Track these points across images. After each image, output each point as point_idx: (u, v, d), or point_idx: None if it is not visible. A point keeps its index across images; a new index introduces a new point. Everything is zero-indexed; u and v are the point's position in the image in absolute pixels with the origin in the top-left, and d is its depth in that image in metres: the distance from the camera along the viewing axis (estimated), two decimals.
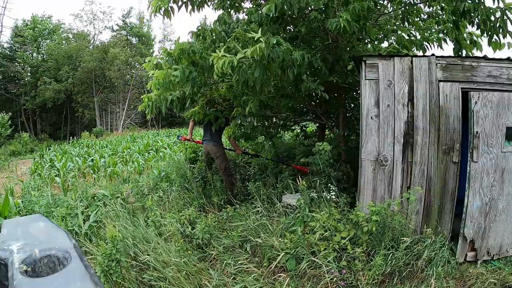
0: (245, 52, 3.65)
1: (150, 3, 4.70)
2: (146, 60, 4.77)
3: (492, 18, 4.23)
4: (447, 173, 3.81)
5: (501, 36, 4.37)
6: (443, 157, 3.81)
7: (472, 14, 4.17)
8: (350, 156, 5.46)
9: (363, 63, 3.91)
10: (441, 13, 5.37)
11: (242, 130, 5.79)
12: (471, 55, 5.27)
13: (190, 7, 4.93)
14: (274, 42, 3.72)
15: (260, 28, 4.00)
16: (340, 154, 5.36)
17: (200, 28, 5.09)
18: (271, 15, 4.27)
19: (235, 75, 3.96)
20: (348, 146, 5.74)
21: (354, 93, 6.19)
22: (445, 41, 5.49)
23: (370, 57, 3.97)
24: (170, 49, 4.52)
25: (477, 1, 4.18)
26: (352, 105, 6.43)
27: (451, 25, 4.85)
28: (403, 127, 3.84)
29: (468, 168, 3.65)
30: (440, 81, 3.79)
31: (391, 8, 5.48)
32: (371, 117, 3.89)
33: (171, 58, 4.41)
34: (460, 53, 5.21)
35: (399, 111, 3.84)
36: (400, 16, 5.41)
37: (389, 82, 3.86)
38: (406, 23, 5.43)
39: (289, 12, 4.31)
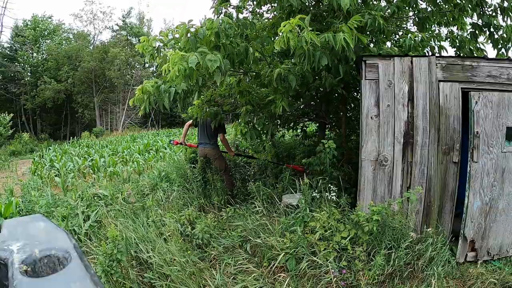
0: (329, 34, 3.22)
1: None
2: (140, 40, 4.15)
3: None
4: (447, 173, 3.81)
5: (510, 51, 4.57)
6: (443, 157, 3.81)
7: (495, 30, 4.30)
8: (350, 156, 5.46)
9: (363, 63, 3.91)
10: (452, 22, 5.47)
11: (250, 129, 5.43)
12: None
13: None
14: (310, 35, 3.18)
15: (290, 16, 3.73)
16: (343, 154, 5.36)
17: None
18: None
19: (300, 59, 3.49)
20: (348, 146, 5.74)
21: (355, 93, 6.19)
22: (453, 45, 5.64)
23: (370, 57, 3.97)
24: (195, 26, 3.67)
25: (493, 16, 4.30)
26: (352, 105, 6.43)
27: (468, 37, 5.14)
28: (403, 127, 3.84)
29: (468, 168, 3.65)
30: (440, 81, 3.79)
31: (411, 12, 5.46)
32: (371, 117, 3.89)
33: (195, 39, 3.55)
34: (465, 52, 5.40)
35: (399, 111, 3.84)
36: (416, 20, 5.37)
37: (389, 82, 3.86)
38: (422, 28, 5.35)
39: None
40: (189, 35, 3.63)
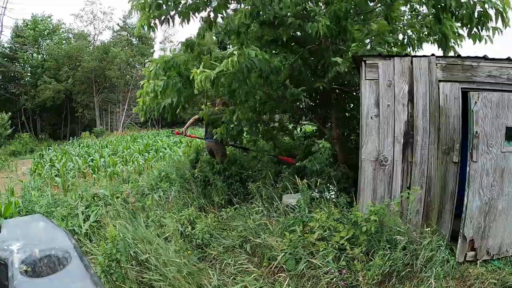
0: (220, 67, 3.73)
1: (136, 25, 4.79)
2: (146, 64, 4.87)
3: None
4: (447, 173, 3.82)
5: (480, 28, 4.27)
6: (443, 157, 3.81)
7: (458, 10, 4.09)
8: (347, 156, 5.46)
9: (363, 63, 3.91)
10: (419, 8, 5.24)
11: (230, 133, 5.89)
12: (455, 50, 5.14)
13: (179, 19, 4.85)
14: (252, 54, 3.77)
15: (238, 37, 4.03)
16: (335, 156, 5.34)
17: (188, 39, 5.16)
18: (247, 23, 4.31)
19: (214, 88, 4.04)
20: (344, 147, 5.74)
21: (354, 93, 6.19)
22: (429, 37, 5.30)
23: (370, 57, 3.97)
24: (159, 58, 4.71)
25: None
26: (352, 105, 6.43)
27: (433, 18, 4.67)
28: (403, 127, 3.84)
29: (467, 168, 3.65)
30: (440, 81, 3.79)
31: (373, 5, 5.29)
32: (371, 117, 3.89)
33: (159, 69, 4.55)
34: (447, 45, 4.97)
35: (399, 111, 3.84)
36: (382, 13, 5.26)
37: (389, 82, 3.86)
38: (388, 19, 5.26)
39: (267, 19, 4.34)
40: (156, 66, 4.65)
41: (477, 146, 3.60)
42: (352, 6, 4.35)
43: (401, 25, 5.32)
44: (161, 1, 4.45)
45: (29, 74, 31.91)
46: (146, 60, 5.79)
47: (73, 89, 31.64)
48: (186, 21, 4.80)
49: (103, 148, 16.30)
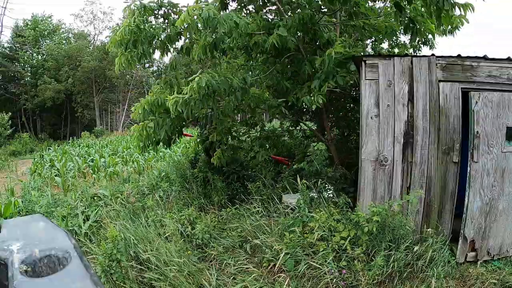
0: (184, 93, 3.94)
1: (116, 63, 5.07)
2: (132, 110, 5.06)
3: None
4: (447, 173, 3.81)
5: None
6: (443, 157, 3.81)
7: None
8: (345, 157, 5.47)
9: (363, 63, 3.91)
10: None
11: (227, 155, 5.95)
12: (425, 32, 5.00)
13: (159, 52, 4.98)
14: (205, 80, 3.88)
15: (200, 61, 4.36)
16: (331, 157, 5.33)
17: (167, 77, 5.31)
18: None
19: (185, 113, 4.17)
20: (340, 148, 5.75)
21: (354, 93, 6.19)
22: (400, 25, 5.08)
23: (370, 57, 3.97)
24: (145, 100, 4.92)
25: None
26: (351, 105, 6.43)
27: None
28: (403, 127, 3.84)
29: (468, 168, 3.65)
30: (440, 81, 3.79)
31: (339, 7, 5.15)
32: (371, 117, 3.89)
33: (146, 110, 4.75)
34: (414, 30, 4.63)
35: (399, 111, 3.84)
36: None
37: (389, 82, 3.86)
38: (353, 16, 5.16)
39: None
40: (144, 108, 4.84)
41: (477, 146, 3.60)
42: (321, 8, 4.38)
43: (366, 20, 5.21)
44: (137, 39, 4.51)
45: (29, 74, 31.89)
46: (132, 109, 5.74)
47: (73, 89, 31.63)
48: (165, 52, 4.99)
49: (103, 148, 16.30)
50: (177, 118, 4.65)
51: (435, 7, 3.83)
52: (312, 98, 4.22)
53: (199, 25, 3.93)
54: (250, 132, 6.23)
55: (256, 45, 4.67)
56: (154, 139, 4.95)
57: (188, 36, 4.60)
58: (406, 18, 4.54)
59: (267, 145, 6.51)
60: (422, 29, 4.80)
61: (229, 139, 5.88)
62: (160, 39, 4.72)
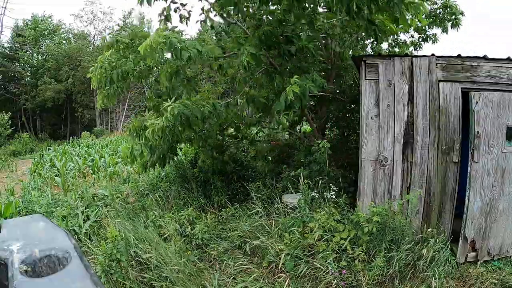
0: (160, 122, 4.06)
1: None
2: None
3: None
4: (447, 173, 3.81)
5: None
6: (443, 157, 3.80)
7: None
8: (343, 157, 5.47)
9: (363, 63, 3.91)
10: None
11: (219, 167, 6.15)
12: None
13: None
14: (177, 110, 3.98)
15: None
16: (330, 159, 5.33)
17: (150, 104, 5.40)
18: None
19: (162, 140, 4.27)
20: (337, 149, 5.74)
21: (353, 93, 6.20)
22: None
23: (370, 57, 3.97)
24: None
25: None
26: (353, 105, 6.43)
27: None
28: (403, 127, 3.84)
29: (469, 168, 3.65)
30: (440, 81, 3.79)
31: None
32: (371, 117, 3.89)
33: (133, 135, 4.85)
34: (377, 38, 4.44)
35: (399, 111, 3.84)
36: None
37: (389, 82, 3.86)
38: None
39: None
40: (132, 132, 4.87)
41: (478, 146, 3.60)
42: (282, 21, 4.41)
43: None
44: (114, 77, 4.58)
45: (29, 74, 31.90)
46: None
47: (73, 89, 31.62)
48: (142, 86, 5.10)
49: (103, 148, 16.29)
50: (164, 141, 4.71)
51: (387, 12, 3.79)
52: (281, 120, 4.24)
53: (165, 54, 4.05)
54: (240, 144, 6.41)
55: (220, 68, 4.84)
56: (144, 162, 5.08)
57: (152, 63, 4.63)
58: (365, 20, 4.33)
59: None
60: (384, 30, 4.53)
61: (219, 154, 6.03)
62: (133, 74, 4.78)
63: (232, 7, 4.31)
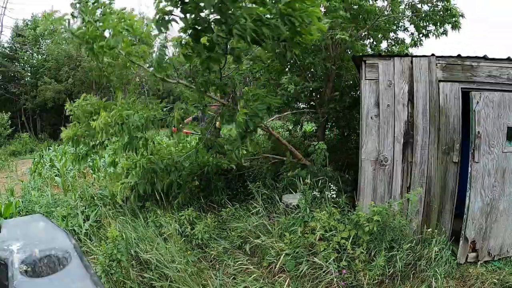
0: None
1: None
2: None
3: None
4: (447, 173, 3.81)
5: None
6: (443, 157, 3.80)
7: None
8: (342, 157, 5.47)
9: (363, 63, 3.91)
10: None
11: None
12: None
13: None
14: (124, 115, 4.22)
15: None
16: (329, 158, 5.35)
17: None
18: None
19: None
20: (340, 149, 5.76)
21: (353, 93, 6.20)
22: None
23: (370, 57, 3.97)
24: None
25: None
26: (353, 105, 6.43)
27: None
28: (403, 127, 3.84)
29: (469, 168, 3.65)
30: (440, 81, 3.79)
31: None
32: (371, 117, 3.89)
33: (123, 172, 5.05)
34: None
35: (399, 111, 3.84)
36: None
37: (389, 82, 3.86)
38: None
39: None
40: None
41: (479, 146, 3.60)
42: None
43: None
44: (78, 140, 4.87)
45: (29, 74, 31.89)
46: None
47: (73, 89, 31.61)
48: None
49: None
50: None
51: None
52: None
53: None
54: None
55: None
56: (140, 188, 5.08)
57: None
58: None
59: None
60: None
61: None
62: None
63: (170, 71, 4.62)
